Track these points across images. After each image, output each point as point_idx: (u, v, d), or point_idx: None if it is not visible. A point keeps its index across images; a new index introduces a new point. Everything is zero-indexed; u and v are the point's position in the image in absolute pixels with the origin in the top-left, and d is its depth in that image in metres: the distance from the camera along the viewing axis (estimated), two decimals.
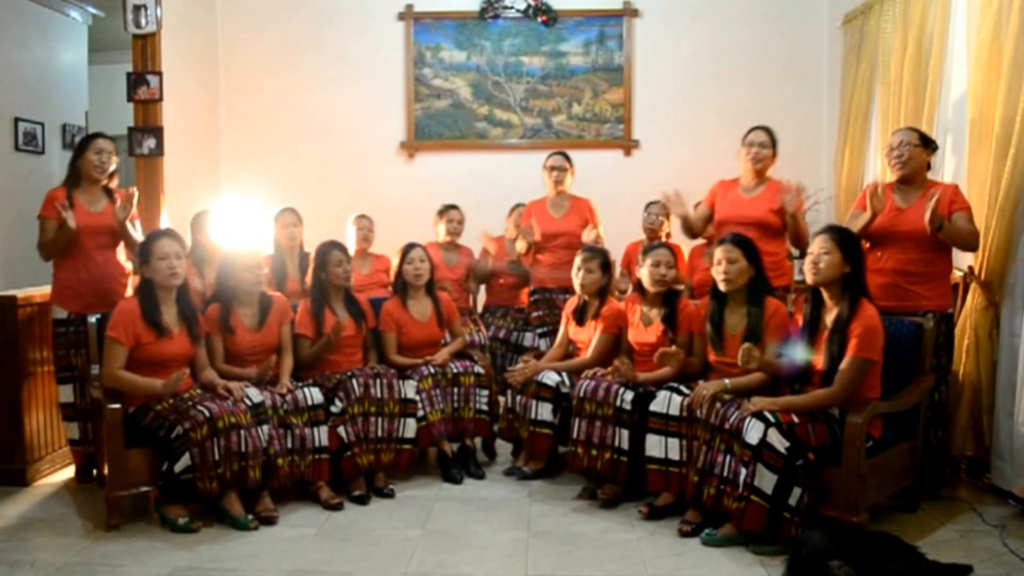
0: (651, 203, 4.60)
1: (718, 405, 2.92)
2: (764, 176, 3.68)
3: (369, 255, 4.48)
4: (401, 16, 5.53)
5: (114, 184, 3.66)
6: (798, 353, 2.99)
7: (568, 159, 4.40)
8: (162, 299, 3.17)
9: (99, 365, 3.18)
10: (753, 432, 2.74)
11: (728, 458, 2.82)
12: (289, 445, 3.20)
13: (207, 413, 2.98)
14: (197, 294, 3.63)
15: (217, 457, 2.97)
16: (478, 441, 3.80)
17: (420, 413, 3.49)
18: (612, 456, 3.19)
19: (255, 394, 3.18)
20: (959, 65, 3.67)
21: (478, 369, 3.70)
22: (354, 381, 3.41)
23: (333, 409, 3.35)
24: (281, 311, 3.51)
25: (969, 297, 3.36)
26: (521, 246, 4.36)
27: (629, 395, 3.20)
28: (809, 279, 2.94)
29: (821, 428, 2.80)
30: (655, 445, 3.06)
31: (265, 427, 3.13)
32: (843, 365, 2.81)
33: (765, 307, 3.10)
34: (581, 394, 3.29)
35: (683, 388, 3.09)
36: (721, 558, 2.75)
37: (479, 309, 4.79)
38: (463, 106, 5.57)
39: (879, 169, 4.25)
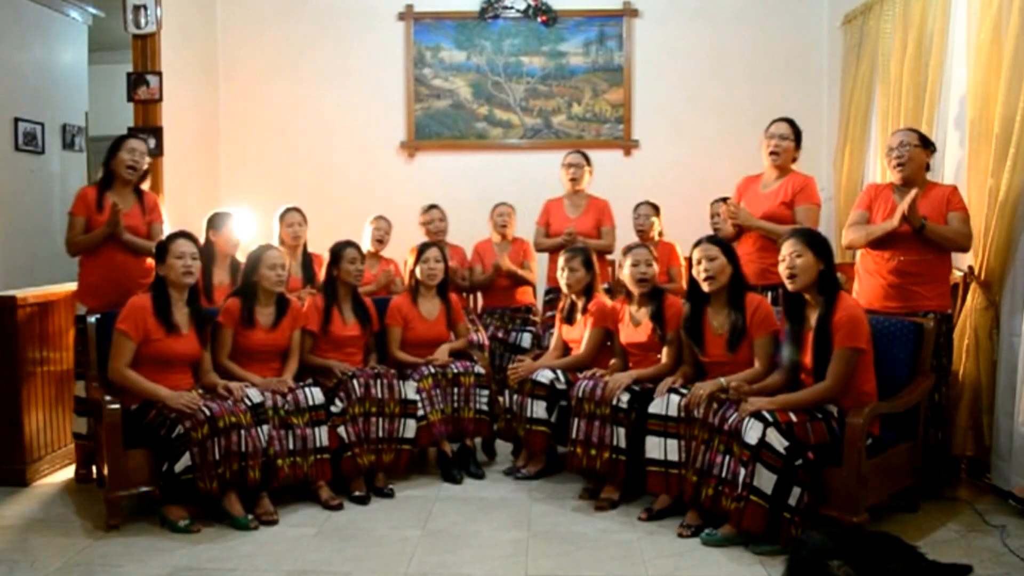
0: (639, 204, 4.60)
1: (715, 405, 2.93)
2: (787, 169, 3.65)
3: (379, 257, 4.50)
4: (401, 16, 5.53)
5: (146, 185, 3.68)
6: (788, 359, 3.00)
7: (586, 158, 4.42)
8: (174, 298, 3.20)
9: (97, 364, 3.19)
10: (752, 432, 2.74)
11: (727, 459, 2.82)
12: (291, 446, 3.20)
13: (208, 413, 2.98)
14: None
15: (217, 457, 2.97)
16: (478, 441, 3.80)
17: (420, 413, 3.49)
18: (610, 456, 3.20)
19: (255, 394, 3.18)
20: (959, 65, 3.67)
21: (478, 369, 3.70)
22: (355, 381, 3.41)
23: (333, 409, 3.35)
24: (296, 315, 3.54)
25: (969, 297, 3.36)
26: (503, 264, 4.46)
27: (625, 395, 3.21)
28: (789, 287, 2.94)
29: (820, 427, 2.80)
30: (655, 447, 3.06)
31: (265, 427, 3.13)
32: (832, 358, 2.83)
33: (747, 304, 3.11)
34: (579, 394, 3.29)
35: (680, 389, 3.10)
36: (721, 558, 2.75)
37: (477, 309, 4.79)
38: (463, 106, 5.57)
39: (879, 169, 4.25)
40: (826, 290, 2.90)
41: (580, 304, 3.63)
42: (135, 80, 4.48)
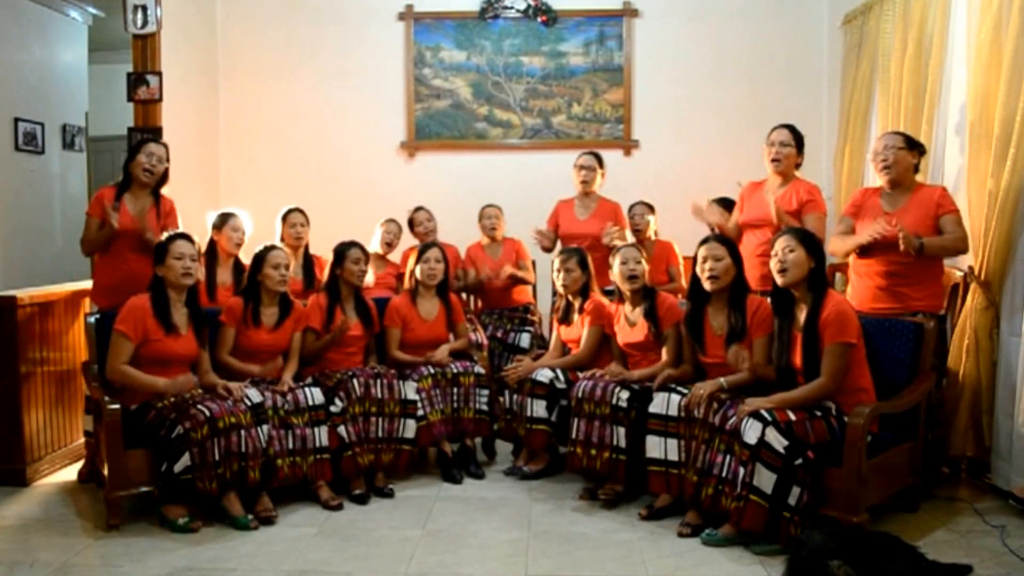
0: (634, 204, 4.60)
1: (715, 405, 2.93)
2: (790, 176, 3.66)
3: (386, 260, 4.51)
4: (401, 16, 5.53)
5: (165, 189, 3.69)
6: (779, 357, 3.00)
7: (599, 159, 4.41)
8: (173, 299, 3.21)
9: (98, 364, 3.19)
10: (751, 432, 2.74)
11: (728, 458, 2.82)
12: (290, 446, 3.20)
13: (207, 413, 2.98)
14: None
15: (217, 457, 2.97)
16: (478, 441, 3.80)
17: (420, 413, 3.49)
18: (611, 455, 3.20)
19: (255, 394, 3.19)
20: (959, 65, 3.67)
21: (478, 369, 3.71)
22: (355, 381, 3.41)
23: (333, 409, 3.36)
24: (298, 317, 3.55)
25: (969, 297, 3.36)
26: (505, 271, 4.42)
27: (625, 393, 3.22)
28: (779, 280, 2.95)
29: (819, 425, 2.80)
30: (655, 446, 3.06)
31: (265, 427, 3.14)
32: (824, 355, 2.83)
33: (747, 305, 3.12)
34: (579, 394, 3.29)
35: (680, 389, 3.10)
36: (721, 558, 2.75)
37: (476, 309, 4.79)
38: (463, 106, 5.57)
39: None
40: (815, 288, 2.91)
41: (576, 304, 3.63)
42: (135, 80, 4.48)
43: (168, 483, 2.98)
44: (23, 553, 2.82)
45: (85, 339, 3.59)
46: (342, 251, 3.66)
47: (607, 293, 3.72)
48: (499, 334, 4.44)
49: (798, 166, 3.70)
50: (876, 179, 3.43)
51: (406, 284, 3.93)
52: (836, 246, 3.40)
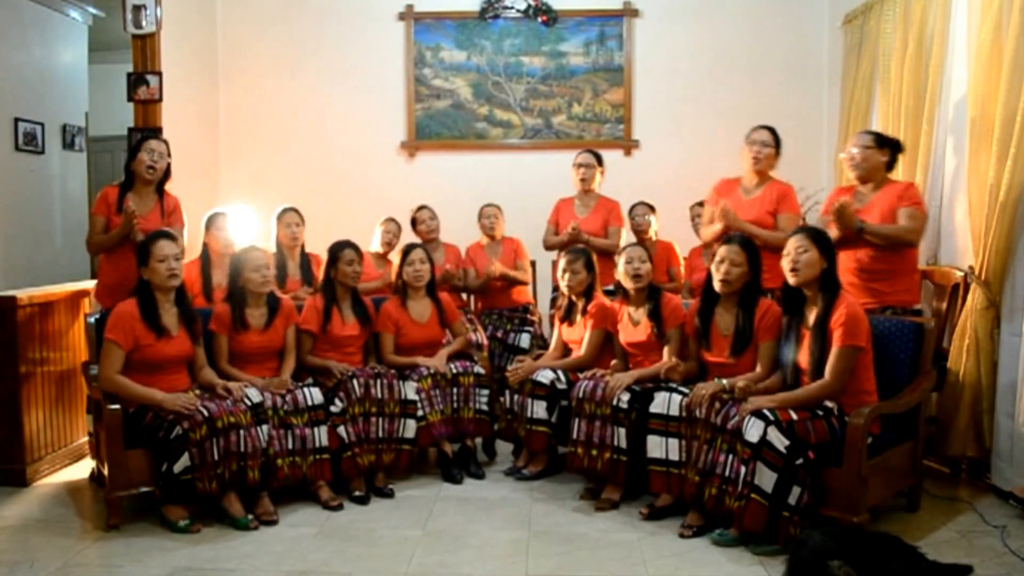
0: (636, 204, 4.61)
1: (718, 405, 2.92)
2: (766, 176, 3.69)
3: (387, 259, 4.51)
4: (401, 16, 5.53)
5: (169, 185, 3.67)
6: (786, 357, 3.00)
7: (598, 158, 4.42)
8: (161, 300, 3.17)
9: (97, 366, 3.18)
10: (753, 430, 2.74)
11: (730, 458, 2.82)
12: (290, 446, 3.20)
13: (206, 413, 2.98)
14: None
15: (216, 457, 2.97)
16: (478, 441, 3.80)
17: (420, 414, 3.49)
18: (611, 456, 3.19)
19: (255, 394, 3.18)
20: (959, 65, 3.67)
21: (478, 369, 3.70)
22: (354, 381, 3.41)
23: (333, 409, 3.35)
24: (288, 313, 3.53)
25: (969, 297, 3.36)
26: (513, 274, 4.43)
27: (626, 394, 3.21)
28: (790, 280, 2.95)
29: (821, 425, 2.80)
30: (656, 446, 3.06)
31: (265, 427, 3.13)
32: (831, 355, 2.83)
33: (756, 308, 3.11)
34: (580, 394, 3.29)
35: (682, 388, 3.09)
36: (721, 558, 2.75)
37: (475, 309, 4.79)
38: (463, 106, 5.57)
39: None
40: (827, 288, 2.90)
41: (580, 305, 3.62)
42: (135, 80, 4.48)
43: (168, 483, 2.97)
44: (23, 553, 2.82)
45: (85, 339, 3.59)
46: (335, 252, 3.64)
47: (607, 293, 3.72)
48: (499, 334, 4.44)
49: (773, 167, 3.72)
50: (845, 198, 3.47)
51: (393, 286, 3.87)
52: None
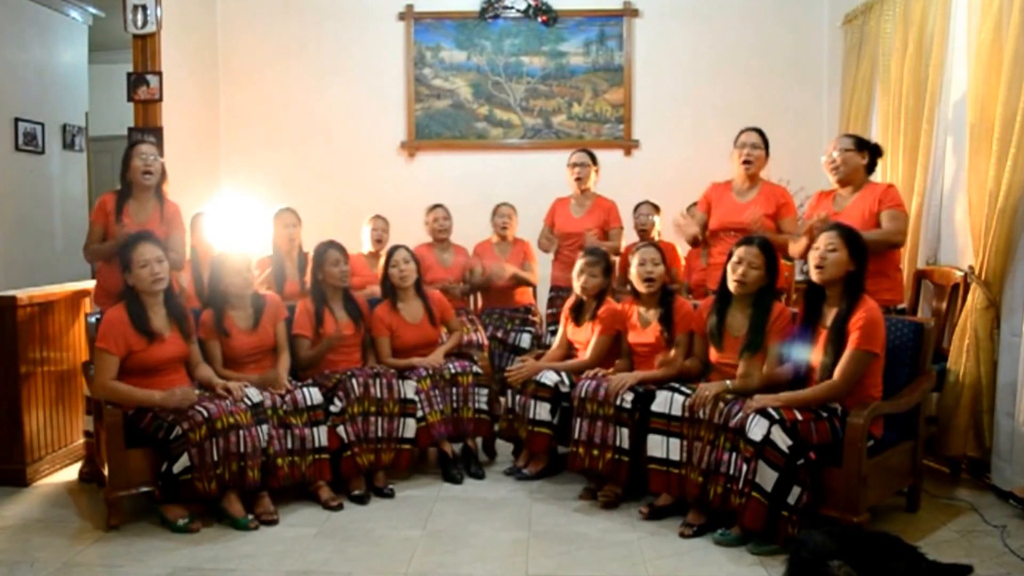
0: (640, 204, 4.61)
1: (721, 405, 2.91)
2: (757, 178, 3.70)
3: (379, 257, 4.49)
4: (401, 16, 5.53)
5: (167, 187, 3.64)
6: (798, 353, 2.99)
7: (592, 157, 4.41)
8: (149, 304, 3.14)
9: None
10: (757, 429, 2.74)
11: (734, 456, 2.82)
12: (289, 445, 3.20)
13: (205, 413, 2.97)
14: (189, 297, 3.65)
15: (216, 457, 2.97)
16: (479, 441, 3.79)
17: (419, 414, 3.49)
18: (613, 456, 3.19)
19: (254, 394, 3.18)
20: (959, 65, 3.67)
21: (477, 369, 3.69)
22: (354, 381, 3.40)
23: (332, 409, 3.35)
24: (275, 310, 3.50)
25: (969, 297, 3.36)
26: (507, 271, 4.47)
27: (629, 395, 3.20)
28: (815, 277, 2.93)
29: (823, 426, 2.79)
30: (657, 445, 3.06)
31: (264, 427, 3.13)
32: (844, 357, 2.81)
33: (770, 311, 3.08)
34: (582, 394, 3.29)
35: (684, 389, 3.09)
36: (721, 558, 2.75)
37: (476, 309, 4.79)
38: (463, 106, 5.57)
39: (879, 169, 4.24)
40: (851, 290, 2.88)
41: (591, 308, 3.58)
42: (135, 80, 4.48)
43: (168, 484, 2.97)
44: (23, 553, 2.82)
45: (86, 339, 3.59)
46: (319, 254, 3.60)
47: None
48: (499, 334, 4.44)
49: (762, 168, 3.73)
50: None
51: (380, 288, 3.82)
52: (792, 248, 3.47)
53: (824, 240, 2.90)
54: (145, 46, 4.49)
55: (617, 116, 5.53)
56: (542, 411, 3.45)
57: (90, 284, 3.90)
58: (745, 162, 3.65)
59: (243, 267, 3.40)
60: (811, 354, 2.95)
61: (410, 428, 3.47)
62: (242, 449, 3.02)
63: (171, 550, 2.84)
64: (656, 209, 4.57)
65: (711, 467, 2.88)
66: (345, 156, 5.56)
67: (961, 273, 3.48)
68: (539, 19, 5.47)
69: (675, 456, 3.02)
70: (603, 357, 3.52)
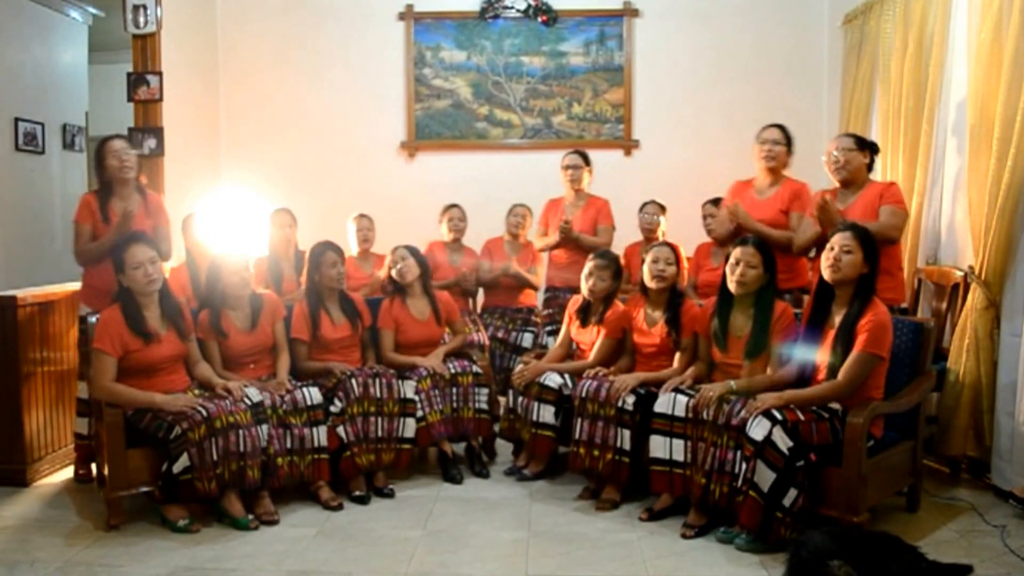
0: (646, 203, 4.60)
1: (724, 406, 2.91)
2: (779, 175, 3.67)
3: (371, 255, 4.49)
4: (401, 16, 5.53)
5: (144, 180, 3.62)
6: (804, 352, 2.98)
7: (584, 157, 4.41)
8: (144, 304, 3.13)
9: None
10: (758, 428, 2.74)
11: (737, 455, 2.81)
12: (288, 445, 3.19)
13: (204, 413, 2.97)
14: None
15: (215, 457, 2.97)
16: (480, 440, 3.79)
17: (419, 414, 3.49)
18: (614, 457, 3.19)
19: (254, 394, 3.18)
20: (959, 65, 3.67)
21: (476, 368, 3.69)
22: (353, 381, 3.40)
23: (332, 409, 3.35)
24: (273, 309, 3.50)
25: (969, 297, 3.36)
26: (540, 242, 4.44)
27: (631, 396, 3.20)
28: (828, 276, 2.92)
29: (824, 427, 2.79)
30: (659, 446, 3.05)
31: (264, 427, 3.13)
32: (850, 359, 2.81)
33: (772, 311, 3.09)
34: (583, 394, 3.28)
35: (687, 390, 3.08)
36: (721, 558, 2.75)
37: (478, 309, 4.79)
38: (463, 106, 5.57)
39: (879, 168, 4.24)
40: (862, 292, 2.87)
41: (598, 311, 3.56)
42: (135, 80, 4.48)
43: (167, 483, 2.97)
44: (23, 553, 2.82)
45: (77, 341, 3.58)
46: (317, 256, 3.58)
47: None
48: (500, 334, 4.45)
49: (786, 165, 3.70)
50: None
51: (384, 286, 3.84)
52: (798, 243, 3.47)
53: (839, 240, 2.89)
54: (145, 46, 4.49)
55: (617, 116, 5.53)
56: (546, 414, 3.44)
57: None
58: (765, 159, 3.63)
59: (241, 267, 3.39)
60: (817, 353, 2.95)
61: (410, 428, 3.47)
62: (242, 449, 3.02)
63: (171, 550, 2.84)
64: (662, 209, 4.56)
65: (714, 467, 2.88)
66: (345, 156, 5.56)
67: (961, 273, 3.48)
68: (539, 19, 5.47)
69: (678, 457, 3.01)
70: (606, 360, 3.52)
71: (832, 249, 2.90)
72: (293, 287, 4.06)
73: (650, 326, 3.42)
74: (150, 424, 3.01)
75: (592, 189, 4.52)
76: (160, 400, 3.01)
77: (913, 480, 3.11)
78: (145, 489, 3.05)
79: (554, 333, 4.16)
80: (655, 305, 3.43)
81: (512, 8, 5.49)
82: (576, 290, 3.93)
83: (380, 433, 3.42)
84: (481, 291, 4.81)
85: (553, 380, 3.46)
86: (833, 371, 2.85)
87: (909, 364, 3.06)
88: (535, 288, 4.66)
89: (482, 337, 4.26)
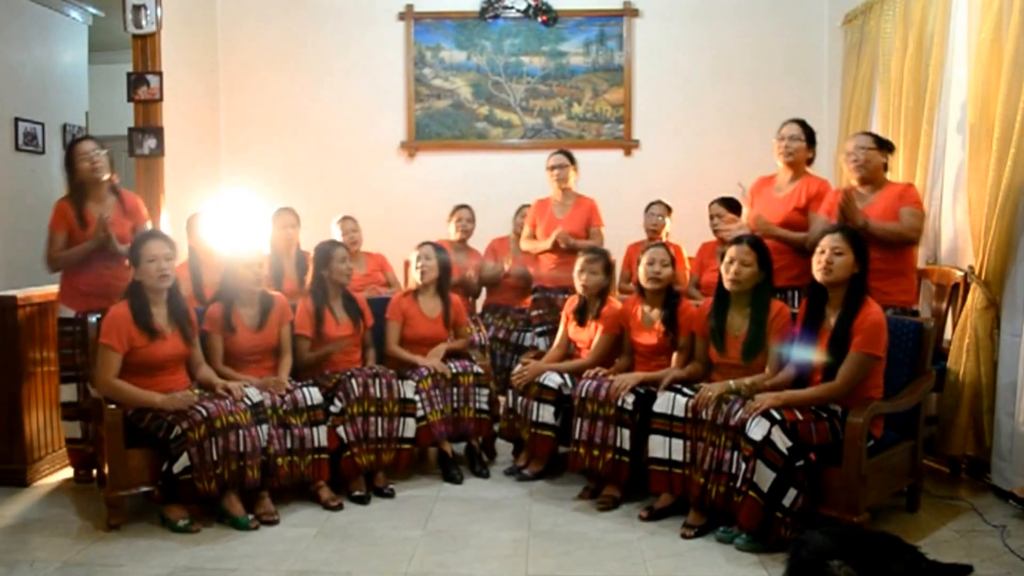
0: (652, 203, 4.60)
1: (723, 406, 2.91)
2: (800, 171, 3.62)
3: (362, 255, 4.50)
4: (401, 16, 5.53)
5: (116, 180, 3.60)
6: (800, 354, 2.98)
7: (569, 157, 4.39)
8: (153, 301, 3.14)
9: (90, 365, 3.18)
10: (757, 428, 2.74)
11: (735, 455, 2.81)
12: (288, 445, 3.20)
13: (204, 413, 2.97)
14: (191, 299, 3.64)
15: (215, 457, 2.97)
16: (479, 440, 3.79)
17: (420, 413, 3.49)
18: (613, 456, 3.19)
19: (254, 394, 3.18)
20: (959, 65, 3.67)
21: (477, 368, 3.70)
22: (353, 381, 3.40)
23: (332, 409, 3.35)
24: (281, 311, 3.51)
25: (969, 297, 3.36)
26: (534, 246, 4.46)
27: (630, 396, 3.20)
28: (820, 278, 2.92)
29: (823, 427, 2.79)
30: (659, 446, 3.05)
31: (264, 427, 3.13)
32: (846, 359, 2.81)
33: (768, 309, 3.09)
34: (583, 394, 3.28)
35: (686, 389, 3.08)
36: (721, 558, 2.75)
37: (479, 309, 4.80)
38: (463, 106, 5.57)
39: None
40: (854, 293, 2.88)
41: (594, 307, 3.58)
42: (135, 80, 4.48)
43: (168, 483, 2.97)
44: (23, 553, 2.82)
45: (59, 344, 3.54)
46: (327, 252, 3.61)
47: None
48: (501, 334, 4.45)
49: (810, 161, 3.66)
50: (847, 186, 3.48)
51: (409, 284, 3.87)
52: (810, 241, 3.38)
53: (829, 243, 2.90)
54: (145, 46, 4.48)
55: (617, 116, 5.53)
56: (545, 414, 3.44)
57: None
58: (784, 155, 3.60)
59: (255, 262, 3.42)
60: (813, 355, 2.95)
61: (410, 428, 3.47)
62: (242, 448, 3.02)
63: (171, 550, 2.83)
64: (668, 210, 4.56)
65: (713, 467, 2.88)
66: (345, 156, 5.56)
67: (961, 273, 3.48)
68: (539, 19, 5.48)
69: (678, 456, 3.01)
70: (605, 357, 3.52)
71: (823, 252, 2.91)
72: (294, 286, 4.06)
73: (647, 326, 3.43)
74: (150, 424, 3.01)
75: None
76: (160, 400, 3.01)
77: (913, 480, 3.11)
78: (145, 489, 3.04)
79: (544, 334, 4.17)
80: (652, 304, 3.44)
81: (512, 8, 5.49)
82: (565, 289, 3.94)
83: (380, 433, 3.43)
84: (483, 290, 4.82)
85: (553, 380, 3.46)
86: (830, 372, 2.86)
87: (909, 364, 3.06)
88: None
89: (482, 337, 4.26)
